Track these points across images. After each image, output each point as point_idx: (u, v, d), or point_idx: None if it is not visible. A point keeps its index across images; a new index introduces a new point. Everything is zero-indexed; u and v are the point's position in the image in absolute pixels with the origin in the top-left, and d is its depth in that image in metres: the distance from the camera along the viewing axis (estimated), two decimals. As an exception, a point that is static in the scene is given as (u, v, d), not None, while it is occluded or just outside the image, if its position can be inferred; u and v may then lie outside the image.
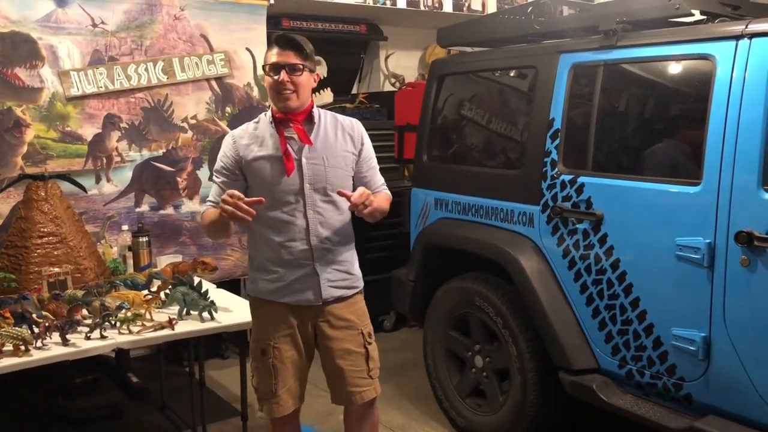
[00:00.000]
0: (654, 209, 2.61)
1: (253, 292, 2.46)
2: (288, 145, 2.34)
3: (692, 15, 2.78)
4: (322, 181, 2.35)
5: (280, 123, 2.36)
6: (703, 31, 2.62)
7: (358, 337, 2.46)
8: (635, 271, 2.68)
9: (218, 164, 2.43)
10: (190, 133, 3.91)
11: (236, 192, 2.19)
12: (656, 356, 2.63)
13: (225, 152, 2.41)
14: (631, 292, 2.69)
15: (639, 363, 2.69)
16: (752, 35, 2.38)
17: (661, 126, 2.86)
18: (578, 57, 2.95)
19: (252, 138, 2.39)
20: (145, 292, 2.95)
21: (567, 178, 2.91)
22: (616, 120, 3.00)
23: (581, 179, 2.85)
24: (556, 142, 2.97)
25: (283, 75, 2.28)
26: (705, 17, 2.82)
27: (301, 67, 2.30)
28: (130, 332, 2.60)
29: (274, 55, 2.30)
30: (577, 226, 2.85)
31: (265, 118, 2.42)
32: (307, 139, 2.35)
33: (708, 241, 2.43)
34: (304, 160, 2.34)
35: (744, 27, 2.42)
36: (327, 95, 4.84)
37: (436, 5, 4.95)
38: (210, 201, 2.45)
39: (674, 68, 2.76)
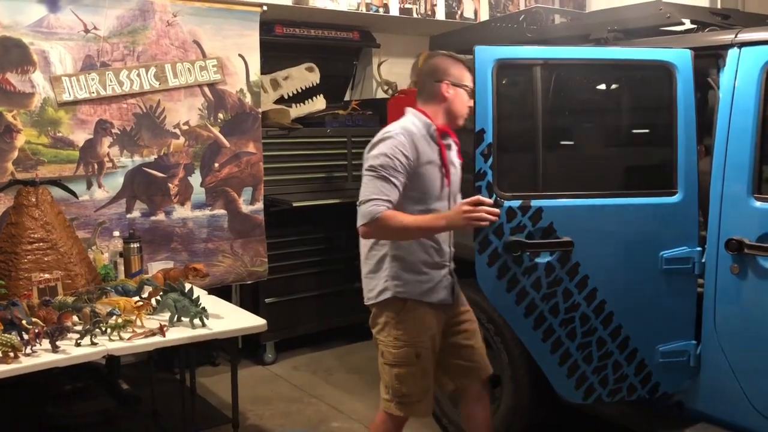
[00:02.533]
0: (634, 225, 2.50)
1: (403, 294, 2.46)
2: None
3: (683, 24, 2.81)
4: (456, 188, 2.59)
5: (442, 136, 2.49)
6: (692, 40, 2.64)
7: (475, 319, 2.72)
8: (615, 296, 2.51)
9: (396, 162, 2.33)
10: (182, 139, 3.90)
11: (480, 197, 2.37)
12: (638, 381, 2.57)
13: (405, 151, 2.35)
14: (611, 322, 2.53)
15: (619, 395, 2.60)
16: (742, 44, 2.40)
17: (622, 137, 2.80)
18: (502, 52, 2.50)
19: (421, 141, 2.42)
20: (136, 298, 2.94)
21: (514, 204, 2.47)
22: (573, 131, 2.88)
23: (536, 203, 2.46)
24: (490, 161, 2.46)
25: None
26: (695, 26, 2.84)
27: None
28: (121, 339, 2.59)
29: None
30: (536, 260, 2.48)
31: (417, 125, 2.45)
32: (460, 155, 2.59)
33: (698, 249, 2.44)
34: (452, 169, 2.52)
35: (734, 36, 2.44)
36: (320, 102, 4.83)
37: (429, 13, 4.96)
38: (384, 199, 2.30)
39: (638, 74, 2.70)
